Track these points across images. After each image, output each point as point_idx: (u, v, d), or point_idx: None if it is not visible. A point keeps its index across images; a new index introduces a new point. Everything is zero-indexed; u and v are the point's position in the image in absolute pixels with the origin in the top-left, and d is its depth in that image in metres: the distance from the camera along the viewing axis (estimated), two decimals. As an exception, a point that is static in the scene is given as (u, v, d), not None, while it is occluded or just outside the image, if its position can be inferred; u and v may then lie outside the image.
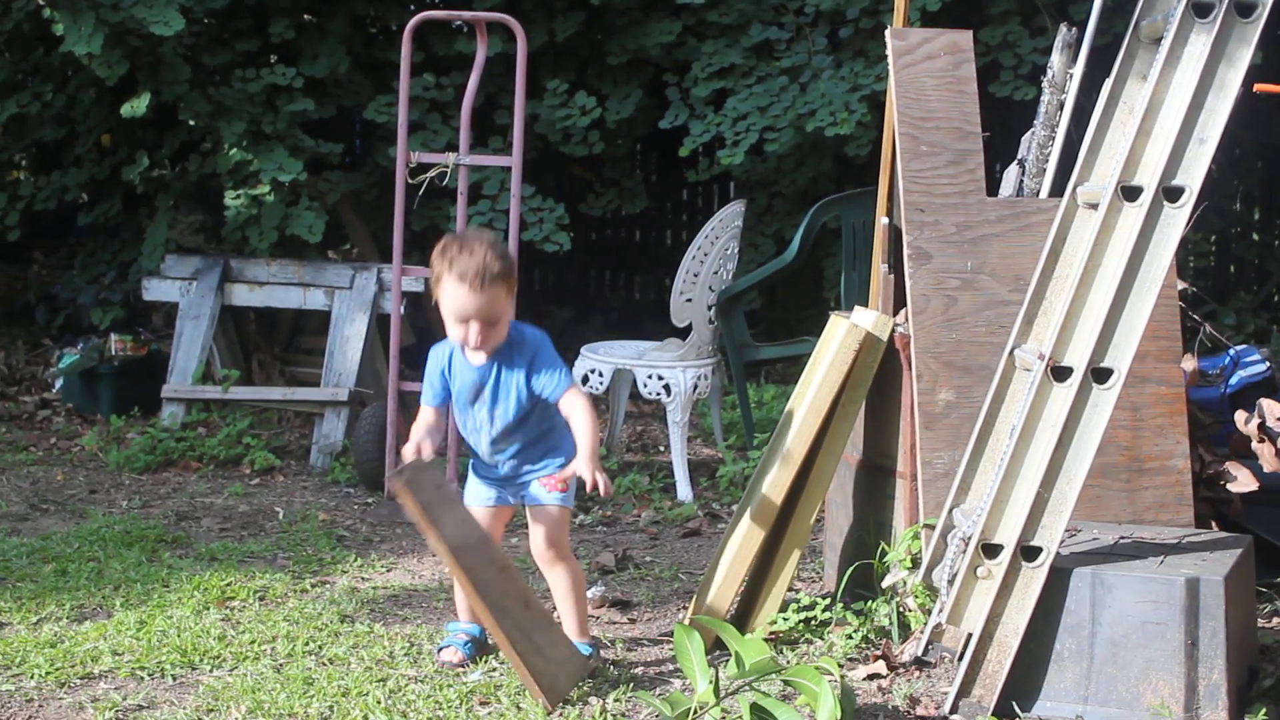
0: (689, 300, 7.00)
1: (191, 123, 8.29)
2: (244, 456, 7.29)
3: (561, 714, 4.14)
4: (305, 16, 8.85)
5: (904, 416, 4.81)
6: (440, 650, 4.58)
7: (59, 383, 8.46)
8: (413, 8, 8.94)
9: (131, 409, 8.05)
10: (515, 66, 6.57)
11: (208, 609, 5.05)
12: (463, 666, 4.50)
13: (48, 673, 4.42)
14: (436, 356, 4.54)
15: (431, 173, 6.65)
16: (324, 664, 4.54)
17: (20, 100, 8.56)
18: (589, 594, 5.16)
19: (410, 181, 6.62)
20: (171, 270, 8.10)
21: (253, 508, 6.55)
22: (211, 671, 4.48)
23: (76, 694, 4.30)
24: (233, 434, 7.42)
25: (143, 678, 4.42)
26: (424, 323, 8.90)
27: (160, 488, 6.90)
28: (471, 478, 4.62)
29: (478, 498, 4.59)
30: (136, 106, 7.94)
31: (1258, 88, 4.93)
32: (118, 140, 8.93)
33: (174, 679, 4.42)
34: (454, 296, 4.28)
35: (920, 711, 4.13)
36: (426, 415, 4.49)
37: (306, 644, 4.70)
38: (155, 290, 8.12)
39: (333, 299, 7.84)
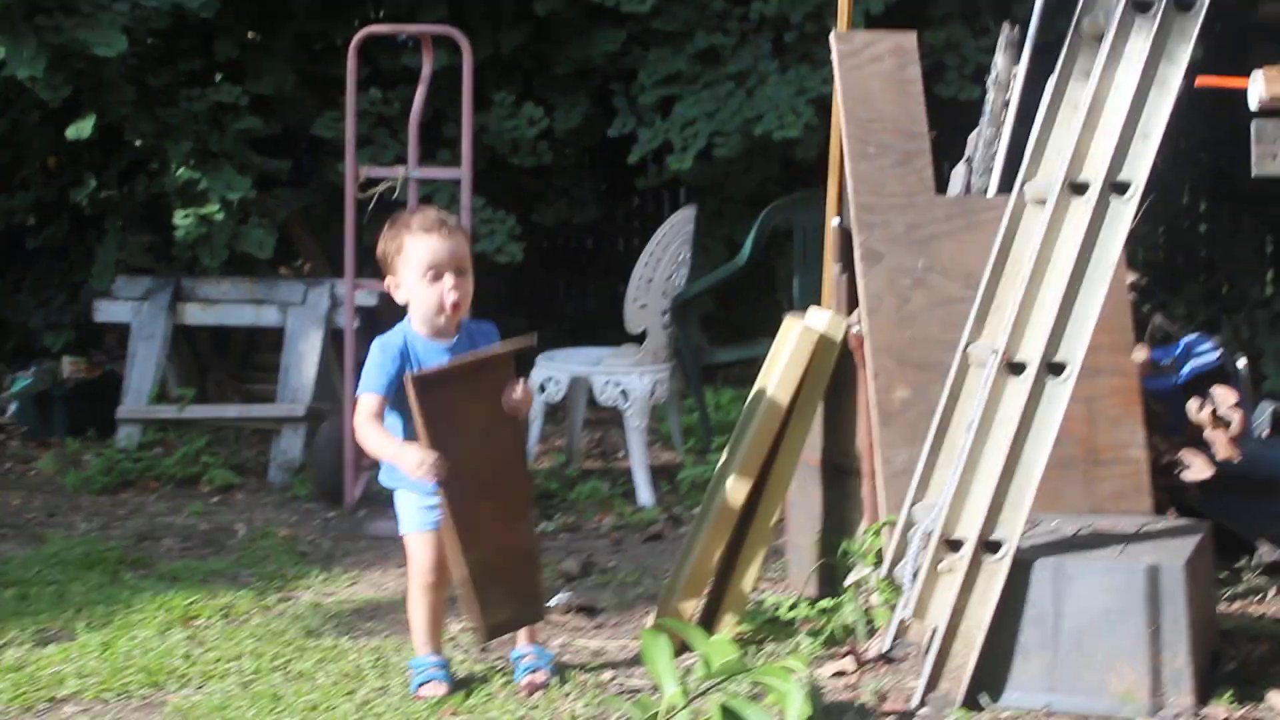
0: (643, 306, 7.02)
1: (138, 143, 8.26)
2: (202, 475, 7.27)
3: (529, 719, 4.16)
4: (250, 34, 8.83)
5: (861, 415, 4.84)
6: (419, 687, 4.34)
7: (12, 406, 8.41)
8: (357, 23, 8.93)
9: (87, 431, 8.01)
10: (461, 79, 6.58)
11: (172, 628, 5.04)
12: (450, 694, 4.31)
13: (12, 698, 4.40)
14: (388, 344, 4.26)
15: (381, 187, 6.66)
16: (291, 680, 4.54)
17: (-37, 125, 8.52)
18: (553, 601, 5.18)
19: (360, 196, 6.63)
20: (122, 291, 8.07)
21: (213, 526, 6.54)
22: (178, 691, 4.47)
23: (43, 718, 4.28)
24: (190, 453, 7.39)
25: (109, 699, 4.40)
26: (379, 335, 8.90)
27: (119, 509, 6.87)
28: (414, 495, 4.31)
29: (425, 521, 4.32)
30: (82, 129, 7.91)
31: (1200, 81, 4.99)
32: (64, 162, 8.89)
33: (141, 699, 4.41)
34: (421, 248, 4.17)
35: (889, 706, 4.16)
36: (373, 404, 4.19)
37: (273, 660, 4.70)
38: (106, 311, 8.09)
39: (286, 315, 7.83)
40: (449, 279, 4.20)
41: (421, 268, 4.19)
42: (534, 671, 4.41)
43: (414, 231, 4.20)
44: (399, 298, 4.31)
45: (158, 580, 5.65)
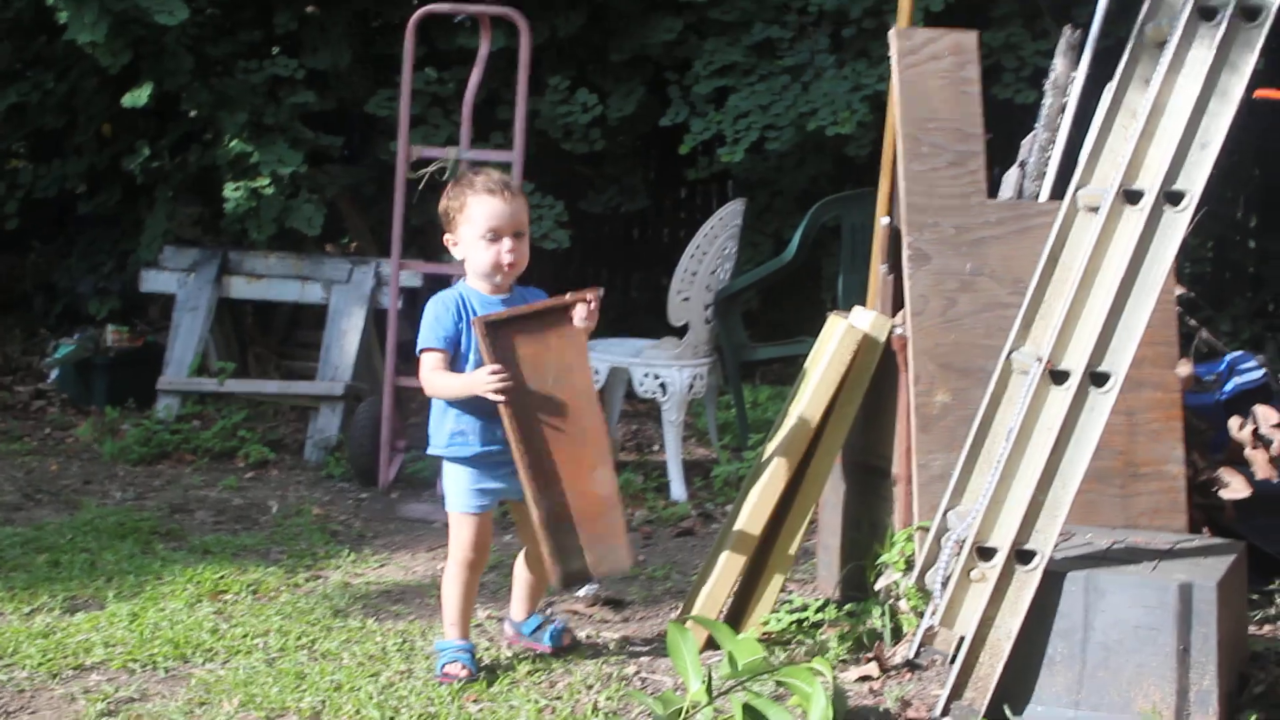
0: (686, 299, 6.99)
1: (193, 113, 8.28)
2: (238, 450, 7.28)
3: (553, 711, 4.13)
4: (309, 9, 8.84)
5: (900, 418, 4.79)
6: (444, 668, 4.33)
7: (54, 373, 8.45)
8: (415, 1, 8.93)
9: (126, 400, 8.05)
10: (518, 62, 6.56)
11: (200, 602, 5.04)
12: (473, 680, 4.30)
13: (39, 664, 4.41)
14: (445, 299, 4.33)
15: (432, 167, 6.65)
16: (316, 658, 4.53)
17: (20, 89, 8.55)
18: (581, 591, 5.15)
19: (410, 176, 6.62)
20: (169, 261, 8.10)
21: (247, 501, 6.55)
22: (203, 664, 4.47)
23: (68, 685, 4.28)
24: (228, 427, 7.41)
25: (134, 670, 4.41)
26: (421, 318, 8.89)
27: (154, 480, 6.89)
28: (468, 476, 4.35)
29: (481, 499, 4.37)
30: (138, 96, 7.93)
31: (1259, 93, 4.92)
32: (118, 130, 8.92)
33: (166, 671, 4.41)
34: (483, 208, 4.27)
35: (911, 714, 4.11)
36: (434, 359, 4.27)
37: (299, 638, 4.69)
38: (153, 281, 8.11)
39: (330, 293, 7.83)
40: (507, 241, 4.29)
41: (482, 228, 4.28)
42: (563, 630, 4.52)
43: (478, 192, 4.29)
44: (456, 254, 4.37)
45: (189, 553, 5.66)
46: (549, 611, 4.80)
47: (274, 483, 6.93)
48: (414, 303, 8.48)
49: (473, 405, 4.27)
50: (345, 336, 7.69)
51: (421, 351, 4.32)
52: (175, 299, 8.02)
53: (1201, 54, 4.05)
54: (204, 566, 5.41)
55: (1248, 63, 4.06)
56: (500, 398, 4.17)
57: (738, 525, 4.71)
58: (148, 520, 6.04)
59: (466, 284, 4.39)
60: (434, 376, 4.29)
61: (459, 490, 4.38)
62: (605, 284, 10.57)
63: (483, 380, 4.16)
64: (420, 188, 6.72)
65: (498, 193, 4.28)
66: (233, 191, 8.08)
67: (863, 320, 4.81)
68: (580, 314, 4.28)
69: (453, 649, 4.39)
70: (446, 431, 4.34)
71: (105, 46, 7.59)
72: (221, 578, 5.29)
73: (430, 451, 4.43)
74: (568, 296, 4.29)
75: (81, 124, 8.94)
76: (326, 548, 5.80)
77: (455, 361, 4.32)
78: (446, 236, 4.38)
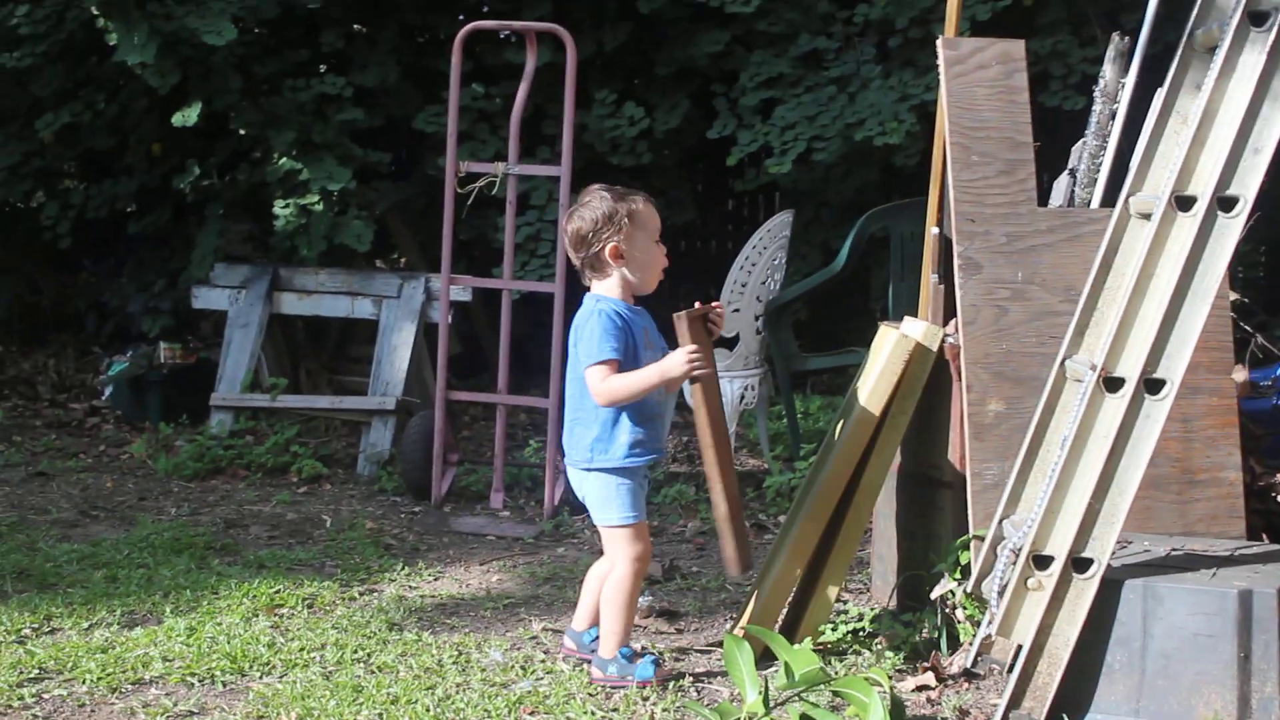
0: (736, 310, 6.99)
1: (242, 132, 8.34)
2: (291, 464, 7.32)
3: (609, 723, 4.14)
4: (355, 26, 8.90)
5: (954, 427, 4.79)
6: (655, 669, 4.45)
7: (108, 390, 8.51)
8: (462, 18, 8.96)
9: (180, 416, 8.10)
10: (564, 76, 6.58)
11: (256, 616, 5.07)
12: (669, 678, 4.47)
13: (99, 678, 4.44)
14: (614, 315, 4.43)
15: (480, 182, 6.67)
16: (373, 672, 4.55)
17: (72, 109, 8.63)
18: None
19: (459, 191, 6.65)
20: (220, 279, 8.15)
21: (300, 515, 6.58)
22: (261, 678, 4.49)
23: (128, 699, 4.32)
24: (280, 442, 7.45)
25: (193, 684, 4.44)
26: (471, 331, 8.92)
27: (209, 495, 6.93)
28: (636, 484, 4.48)
29: (643, 510, 4.52)
30: (187, 116, 7.99)
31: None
32: (168, 149, 8.99)
33: (224, 685, 4.43)
34: (653, 213, 4.51)
35: (970, 723, 4.11)
36: (611, 369, 4.39)
37: (355, 651, 4.71)
38: (204, 298, 8.17)
39: (380, 308, 7.87)
40: (661, 245, 4.55)
41: (656, 232, 4.52)
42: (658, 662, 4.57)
43: (641, 202, 4.50)
44: (620, 265, 4.47)
45: (244, 568, 5.69)
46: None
47: (327, 497, 6.96)
48: (465, 316, 8.51)
49: (642, 415, 4.45)
50: (396, 351, 7.72)
51: (597, 363, 4.38)
52: (227, 315, 8.07)
53: (1253, 59, 4.04)
54: (259, 581, 5.44)
55: (1301, 66, 4.04)
56: (702, 371, 4.38)
57: (792, 537, 4.71)
58: (203, 535, 6.08)
59: (606, 297, 4.47)
60: (616, 380, 4.39)
61: (630, 500, 4.46)
62: (654, 296, 10.57)
63: (681, 360, 4.35)
64: (469, 203, 6.75)
65: (651, 200, 4.55)
66: (282, 209, 8.13)
67: (914, 330, 4.81)
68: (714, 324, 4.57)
69: (633, 652, 4.49)
70: (623, 444, 4.44)
71: (154, 67, 7.66)
72: (277, 592, 5.32)
73: (595, 467, 4.47)
74: (700, 306, 4.53)
75: (132, 144, 9.01)
76: (380, 561, 5.83)
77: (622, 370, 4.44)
78: (612, 247, 4.44)
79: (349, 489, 7.13)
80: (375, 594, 5.41)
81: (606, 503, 4.45)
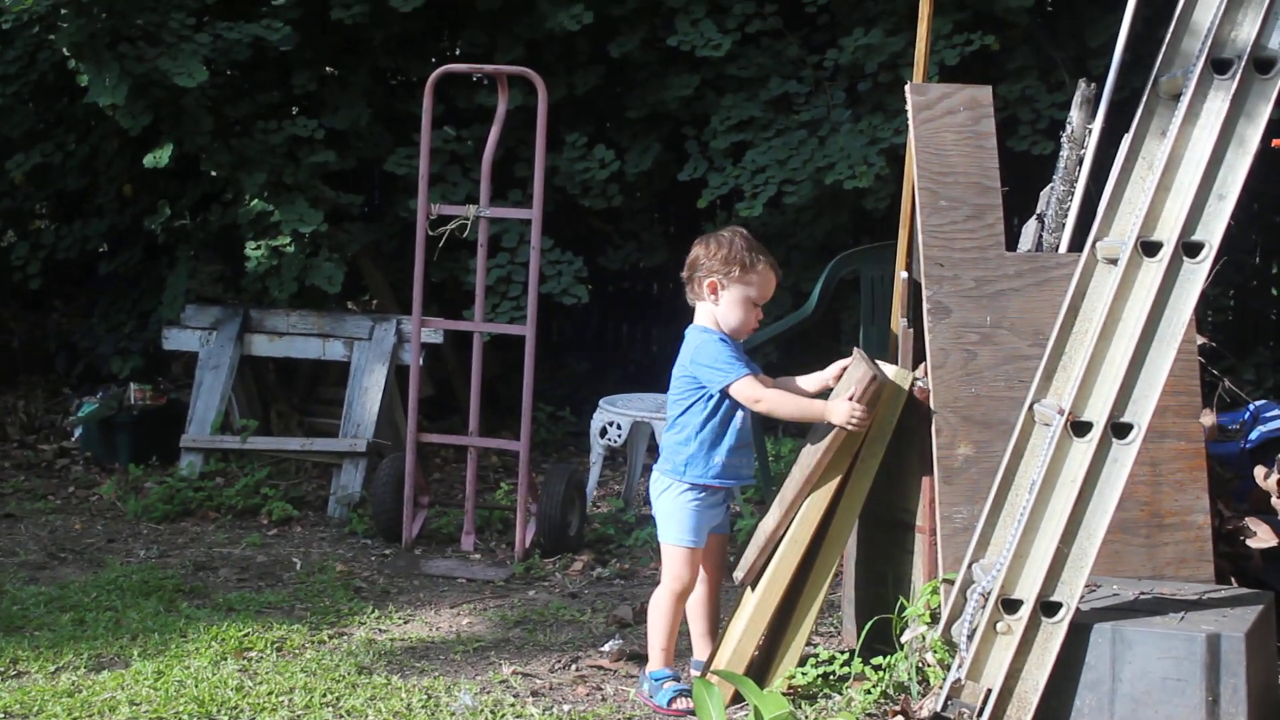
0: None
1: (213, 173, 8.33)
2: (262, 507, 7.29)
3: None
4: (327, 69, 8.91)
5: (923, 471, 4.80)
6: (671, 701, 4.64)
7: (78, 431, 8.48)
8: (434, 61, 8.98)
9: (150, 458, 8.07)
10: (535, 119, 6.60)
11: (225, 659, 5.05)
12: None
13: (65, 722, 4.42)
14: (721, 336, 4.72)
15: (452, 225, 6.68)
16: (341, 716, 4.53)
17: (44, 150, 8.61)
18: (606, 647, 5.16)
19: (430, 233, 6.65)
20: (191, 320, 8.14)
21: (270, 558, 6.56)
22: (229, 722, 4.48)
23: (94, 744, 4.30)
24: (251, 484, 7.43)
25: (160, 728, 4.42)
26: (443, 374, 8.91)
27: (178, 537, 6.90)
28: (706, 508, 4.74)
29: (702, 537, 4.75)
30: (159, 157, 7.99)
31: (1276, 143, 4.94)
32: (139, 190, 8.98)
33: (191, 730, 4.42)
34: (768, 283, 4.74)
35: (939, 767, 4.11)
36: (754, 381, 4.67)
37: (324, 695, 4.70)
38: (175, 340, 8.15)
39: (352, 350, 7.86)
40: (758, 310, 4.76)
41: (757, 296, 4.73)
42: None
43: (766, 267, 4.73)
44: (712, 299, 4.73)
45: (213, 610, 5.66)
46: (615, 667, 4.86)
47: (297, 539, 6.94)
48: (436, 358, 8.51)
49: (739, 441, 4.72)
50: (367, 393, 7.71)
51: (742, 377, 4.65)
52: (197, 357, 8.05)
53: (1216, 106, 4.08)
54: (228, 624, 5.42)
55: (1263, 114, 4.09)
56: (851, 427, 4.61)
57: (763, 581, 4.71)
58: (171, 578, 6.05)
59: (709, 328, 4.74)
60: (776, 394, 4.73)
61: (694, 524, 4.72)
62: (625, 339, 10.59)
63: (846, 413, 4.60)
64: (440, 245, 6.75)
65: (776, 273, 4.78)
66: (254, 250, 8.12)
67: (885, 373, 4.82)
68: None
69: (668, 677, 4.69)
70: (717, 464, 4.69)
71: (126, 109, 7.65)
72: (246, 635, 5.30)
73: (688, 480, 4.69)
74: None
75: (103, 184, 9.00)
76: (350, 604, 5.81)
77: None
78: (714, 280, 4.70)
79: (319, 531, 7.11)
80: (345, 637, 5.39)
81: (674, 520, 4.71)
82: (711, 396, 4.67)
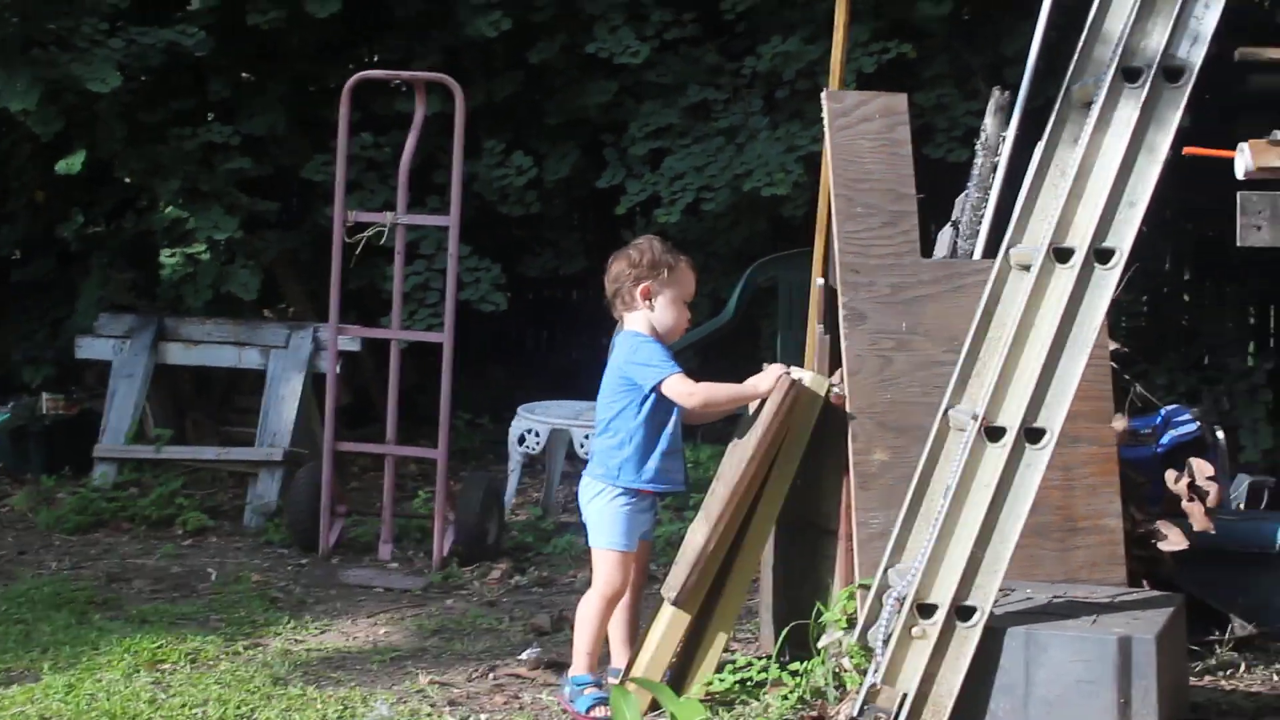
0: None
1: (127, 180, 8.25)
2: (176, 517, 7.22)
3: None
4: (244, 75, 8.85)
5: (840, 477, 4.81)
6: (590, 709, 4.60)
7: (-11, 441, 8.37)
8: (351, 67, 8.94)
9: (63, 468, 7.98)
10: (453, 126, 6.58)
11: (138, 672, 4.99)
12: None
13: (-26, 737, 4.36)
14: (650, 339, 4.76)
15: (369, 232, 6.65)
16: (256, 727, 4.49)
17: (-47, 156, 8.52)
18: (524, 655, 5.15)
19: (347, 240, 6.62)
20: (105, 328, 8.05)
21: (185, 569, 6.49)
22: (141, 735, 4.42)
23: (3, 759, 4.23)
24: (165, 494, 7.35)
25: (71, 742, 4.36)
26: (361, 381, 8.86)
27: (91, 549, 6.82)
28: (640, 513, 4.73)
29: (634, 541, 4.74)
30: (72, 164, 7.91)
31: (1187, 151, 4.99)
32: (52, 197, 8.88)
33: (103, 743, 4.36)
34: (691, 282, 4.82)
35: (856, 772, 4.12)
36: (684, 378, 4.68)
37: (238, 707, 4.65)
38: (88, 348, 8.06)
39: (268, 358, 7.81)
40: (687, 310, 4.83)
41: (686, 298, 4.80)
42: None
43: (686, 266, 4.81)
44: (651, 303, 4.76)
45: (126, 622, 5.60)
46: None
47: (213, 550, 6.88)
48: (353, 367, 8.45)
49: (672, 446, 4.72)
50: (283, 402, 7.65)
51: (673, 375, 4.67)
52: (111, 366, 7.96)
53: (1126, 114, 4.12)
54: (141, 636, 5.35)
55: (1172, 122, 4.12)
56: (786, 384, 4.67)
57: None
58: (84, 590, 5.98)
59: (642, 333, 4.76)
60: (708, 385, 4.73)
61: (628, 527, 4.71)
62: (545, 346, 10.57)
63: (774, 372, 4.71)
64: (357, 252, 6.71)
65: (695, 272, 4.90)
66: (168, 258, 8.05)
67: (801, 379, 4.83)
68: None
69: (589, 683, 4.66)
70: (651, 469, 4.69)
71: (37, 114, 7.56)
72: (159, 647, 5.24)
73: (620, 485, 4.68)
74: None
75: (14, 191, 8.90)
76: (266, 615, 5.75)
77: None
78: (646, 285, 4.73)
79: (235, 541, 7.04)
80: (260, 648, 5.34)
81: (606, 525, 4.70)
82: (645, 399, 4.67)
